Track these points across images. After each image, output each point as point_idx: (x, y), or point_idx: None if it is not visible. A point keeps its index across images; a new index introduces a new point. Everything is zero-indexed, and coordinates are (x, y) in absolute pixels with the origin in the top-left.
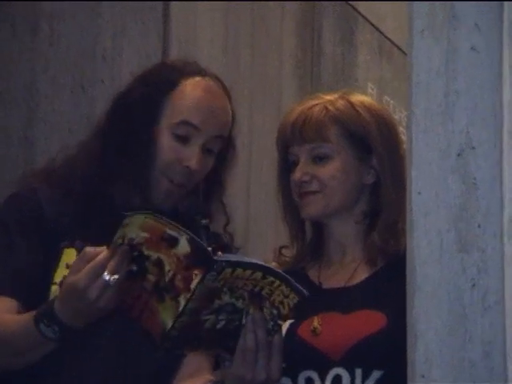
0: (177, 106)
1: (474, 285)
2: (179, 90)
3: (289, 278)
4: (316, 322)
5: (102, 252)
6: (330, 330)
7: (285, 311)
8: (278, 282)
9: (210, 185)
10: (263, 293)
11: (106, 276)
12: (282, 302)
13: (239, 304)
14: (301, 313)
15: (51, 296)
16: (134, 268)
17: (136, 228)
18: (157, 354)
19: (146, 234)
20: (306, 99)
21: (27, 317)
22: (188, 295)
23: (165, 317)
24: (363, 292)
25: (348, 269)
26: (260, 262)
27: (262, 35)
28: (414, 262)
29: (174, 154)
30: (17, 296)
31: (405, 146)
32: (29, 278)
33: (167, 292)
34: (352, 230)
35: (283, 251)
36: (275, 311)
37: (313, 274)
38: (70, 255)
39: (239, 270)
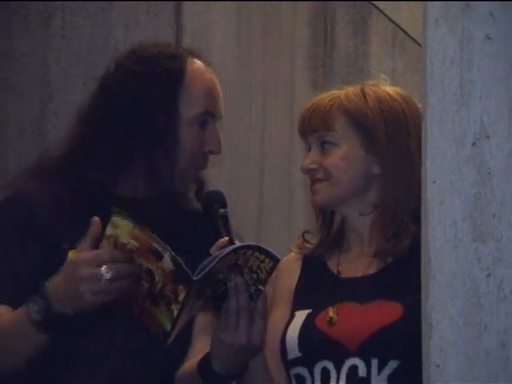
0: (193, 97)
1: (489, 274)
2: (187, 79)
3: (259, 245)
4: (331, 312)
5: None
6: (346, 320)
7: (263, 275)
8: (250, 251)
9: None
10: (239, 262)
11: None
12: (259, 267)
13: (221, 276)
14: (318, 302)
15: None
16: None
17: (126, 234)
18: (160, 347)
19: (136, 244)
20: (332, 89)
21: (19, 309)
22: (178, 306)
23: (162, 319)
24: (379, 282)
25: (366, 259)
26: (228, 249)
27: (275, 27)
28: (429, 251)
29: (198, 142)
30: (11, 302)
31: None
32: (25, 284)
33: (160, 299)
34: (367, 220)
35: (306, 236)
36: (255, 275)
37: (332, 264)
38: None
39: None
